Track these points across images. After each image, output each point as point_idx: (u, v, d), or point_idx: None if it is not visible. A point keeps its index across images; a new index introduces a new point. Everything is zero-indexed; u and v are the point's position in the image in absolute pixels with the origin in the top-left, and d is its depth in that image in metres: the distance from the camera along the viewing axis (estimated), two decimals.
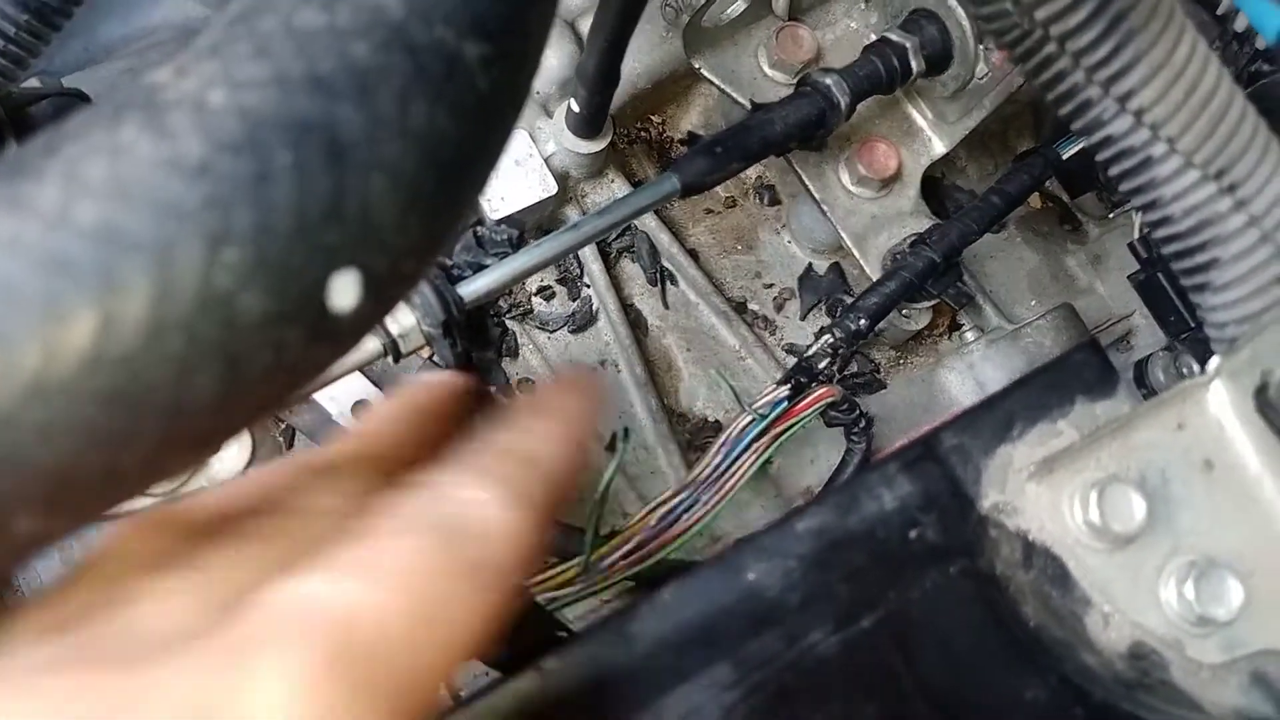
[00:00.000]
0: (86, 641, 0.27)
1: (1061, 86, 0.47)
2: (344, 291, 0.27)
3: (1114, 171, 0.49)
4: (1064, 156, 0.87)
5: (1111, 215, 1.03)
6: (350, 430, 0.41)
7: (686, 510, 0.67)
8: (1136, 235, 0.90)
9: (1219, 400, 0.49)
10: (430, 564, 0.29)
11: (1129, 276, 0.92)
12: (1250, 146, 0.47)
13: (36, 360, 0.23)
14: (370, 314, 0.29)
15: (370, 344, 0.60)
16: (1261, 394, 0.48)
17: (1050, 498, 0.48)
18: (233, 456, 0.62)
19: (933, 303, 0.84)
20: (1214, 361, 0.49)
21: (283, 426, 0.80)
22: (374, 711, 0.26)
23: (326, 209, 0.26)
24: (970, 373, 0.87)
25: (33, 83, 0.72)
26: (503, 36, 0.32)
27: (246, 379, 0.26)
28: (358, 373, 0.70)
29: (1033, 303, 0.98)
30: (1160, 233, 0.50)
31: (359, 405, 0.69)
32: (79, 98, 0.72)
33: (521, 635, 0.58)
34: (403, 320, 0.60)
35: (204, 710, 0.25)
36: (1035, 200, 1.05)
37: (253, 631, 0.26)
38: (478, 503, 0.31)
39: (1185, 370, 0.85)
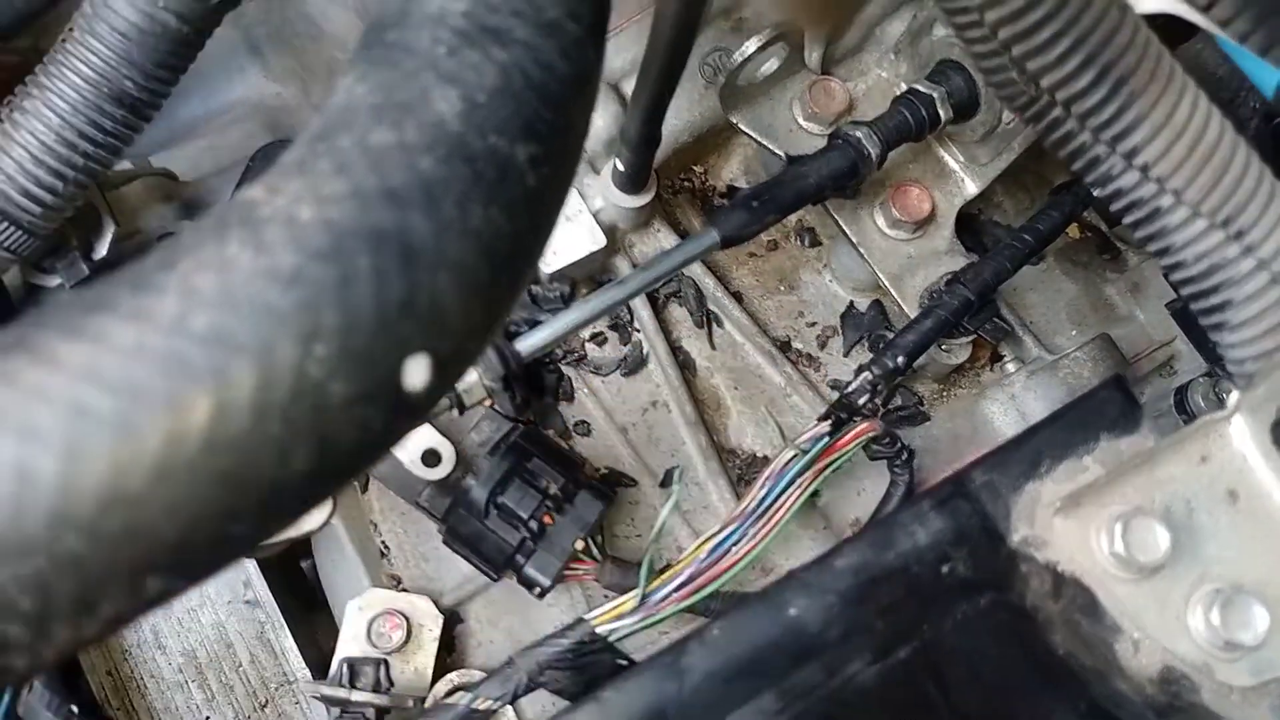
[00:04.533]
0: None
1: (1071, 145, 0.50)
2: (417, 373, 0.32)
3: (1127, 221, 0.52)
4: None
5: None
6: None
7: (735, 543, 0.69)
8: None
9: (1241, 433, 0.51)
10: None
11: (1168, 304, 0.93)
12: (1255, 195, 0.50)
13: (161, 447, 0.27)
14: (440, 389, 0.33)
15: None
16: (1278, 428, 0.50)
17: (1078, 531, 0.51)
18: (316, 510, 0.67)
19: (970, 338, 0.87)
20: (1234, 396, 0.52)
21: None
22: None
23: (401, 305, 0.31)
24: (1012, 404, 0.89)
25: (124, 164, 0.77)
26: (550, 136, 0.36)
27: (336, 453, 0.30)
28: (427, 424, 0.75)
29: (1073, 332, 0.99)
30: (1175, 276, 0.53)
31: (428, 454, 0.74)
32: (167, 176, 0.78)
33: (589, 667, 0.62)
34: (466, 377, 0.64)
35: None
36: (1074, 230, 1.06)
37: None
38: None
39: (1225, 396, 0.86)
